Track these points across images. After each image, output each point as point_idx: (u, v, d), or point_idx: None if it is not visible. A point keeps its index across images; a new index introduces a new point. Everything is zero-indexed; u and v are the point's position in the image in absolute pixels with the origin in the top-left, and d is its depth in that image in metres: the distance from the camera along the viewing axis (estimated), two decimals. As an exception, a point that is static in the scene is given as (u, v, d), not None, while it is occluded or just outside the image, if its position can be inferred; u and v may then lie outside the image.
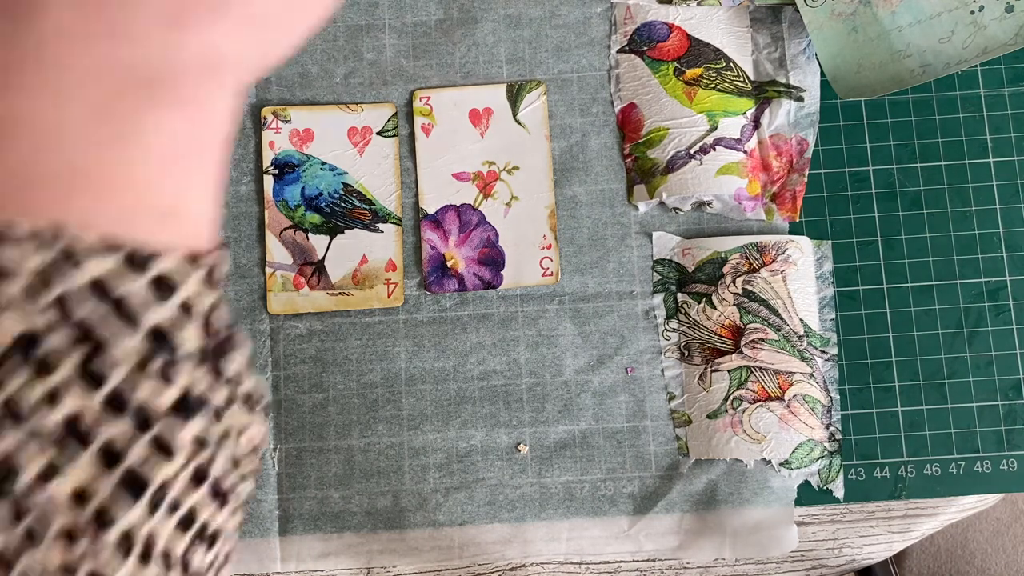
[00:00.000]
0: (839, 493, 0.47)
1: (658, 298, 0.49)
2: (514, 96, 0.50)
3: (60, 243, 0.21)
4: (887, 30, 0.48)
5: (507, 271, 0.49)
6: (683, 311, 0.49)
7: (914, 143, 0.50)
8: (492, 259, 0.49)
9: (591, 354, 0.49)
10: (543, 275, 0.49)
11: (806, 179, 0.49)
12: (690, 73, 0.50)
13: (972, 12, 0.47)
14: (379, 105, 0.50)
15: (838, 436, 0.48)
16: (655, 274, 0.49)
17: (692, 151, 0.49)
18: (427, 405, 0.48)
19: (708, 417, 0.47)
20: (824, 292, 0.49)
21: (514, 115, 0.50)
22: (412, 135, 0.50)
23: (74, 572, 0.20)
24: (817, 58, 0.50)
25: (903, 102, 0.50)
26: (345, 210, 0.50)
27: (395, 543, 0.47)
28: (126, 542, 0.21)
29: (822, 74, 0.50)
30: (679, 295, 0.49)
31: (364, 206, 0.50)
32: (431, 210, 0.50)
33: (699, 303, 0.48)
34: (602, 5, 0.51)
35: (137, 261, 0.21)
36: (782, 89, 0.50)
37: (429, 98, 0.50)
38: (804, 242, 0.49)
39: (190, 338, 0.23)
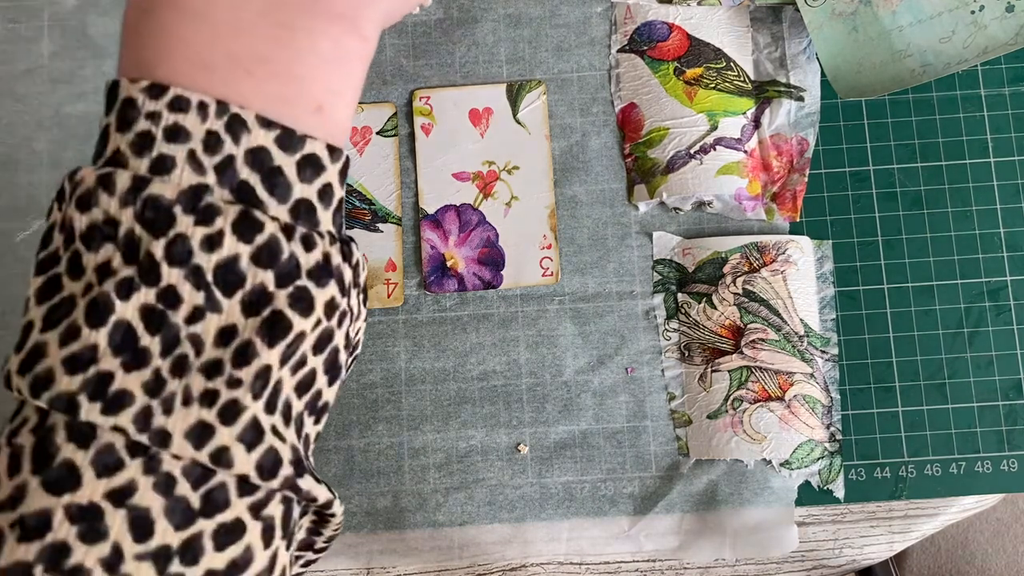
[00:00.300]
0: (839, 493, 0.47)
1: (658, 298, 0.49)
2: (514, 96, 0.50)
3: (227, 115, 0.24)
4: (887, 30, 0.48)
5: (507, 271, 0.49)
6: (683, 311, 0.49)
7: (914, 143, 0.50)
8: (492, 259, 0.49)
9: (591, 354, 0.49)
10: (543, 275, 0.49)
11: (806, 179, 0.49)
12: (690, 73, 0.50)
13: (972, 12, 0.47)
14: (379, 105, 0.50)
15: (838, 436, 0.48)
16: (655, 274, 0.49)
17: (692, 151, 0.49)
18: (427, 405, 0.48)
19: (708, 417, 0.47)
20: (824, 292, 0.49)
21: (514, 115, 0.50)
22: (412, 135, 0.50)
23: (215, 401, 0.23)
24: (817, 58, 0.50)
25: (903, 102, 0.50)
26: (345, 210, 0.49)
27: (395, 543, 0.47)
28: (260, 381, 0.23)
29: (822, 74, 0.50)
30: (679, 295, 0.49)
31: (364, 206, 0.50)
32: (431, 210, 0.50)
33: (699, 303, 0.48)
34: (602, 5, 0.51)
35: (290, 140, 0.24)
36: (782, 89, 0.50)
37: (429, 98, 0.50)
38: (804, 242, 0.49)
39: (326, 219, 0.25)
